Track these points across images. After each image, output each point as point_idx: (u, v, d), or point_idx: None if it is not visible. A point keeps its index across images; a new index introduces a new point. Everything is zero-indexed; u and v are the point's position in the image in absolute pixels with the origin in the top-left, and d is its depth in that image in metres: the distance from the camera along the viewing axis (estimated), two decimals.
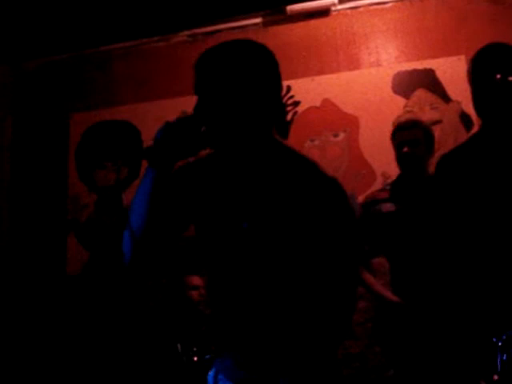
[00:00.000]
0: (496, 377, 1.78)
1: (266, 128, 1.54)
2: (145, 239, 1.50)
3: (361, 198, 3.69)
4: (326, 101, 4.07)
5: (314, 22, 4.20)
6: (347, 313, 1.53)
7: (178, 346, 3.32)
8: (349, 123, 4.00)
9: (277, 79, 1.57)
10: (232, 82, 1.47)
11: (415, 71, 3.98)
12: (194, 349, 3.31)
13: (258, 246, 1.49)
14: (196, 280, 3.55)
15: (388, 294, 2.79)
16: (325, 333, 1.48)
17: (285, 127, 4.03)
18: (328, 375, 1.50)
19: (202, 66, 1.51)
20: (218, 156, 1.59)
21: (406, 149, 2.88)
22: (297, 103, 4.12)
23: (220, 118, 1.47)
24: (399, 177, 3.02)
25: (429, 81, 3.95)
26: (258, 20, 4.30)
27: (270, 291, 1.49)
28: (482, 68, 2.06)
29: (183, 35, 4.45)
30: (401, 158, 2.94)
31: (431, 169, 2.76)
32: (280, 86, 1.61)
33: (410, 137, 2.91)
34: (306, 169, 1.53)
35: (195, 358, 3.27)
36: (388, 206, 2.92)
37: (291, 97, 4.13)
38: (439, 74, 3.94)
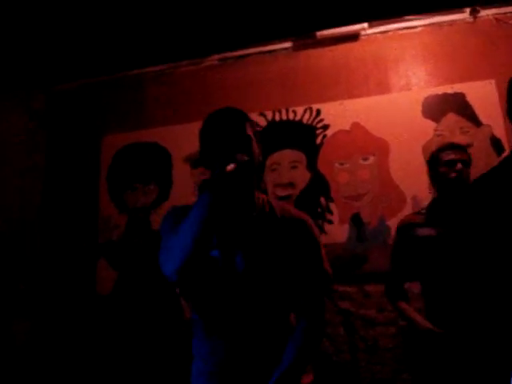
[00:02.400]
0: None
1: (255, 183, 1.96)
2: (191, 254, 1.75)
3: (392, 222, 3.70)
4: (355, 124, 4.08)
5: (343, 47, 4.24)
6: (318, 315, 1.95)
7: None
8: (378, 147, 4.00)
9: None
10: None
11: (445, 95, 3.98)
12: None
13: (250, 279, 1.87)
14: None
15: (421, 320, 2.76)
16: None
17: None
18: None
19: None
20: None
21: (460, 165, 2.82)
22: (326, 127, 4.14)
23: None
24: (435, 200, 2.98)
25: (459, 105, 3.94)
26: (287, 44, 4.35)
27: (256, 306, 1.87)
28: None
29: (214, 59, 4.51)
30: (447, 178, 2.85)
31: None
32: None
33: (461, 156, 2.87)
34: (279, 216, 1.95)
35: None
36: (424, 231, 2.88)
37: (321, 120, 4.16)
38: (469, 98, 3.93)
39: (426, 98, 4.00)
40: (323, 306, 1.97)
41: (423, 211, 3.03)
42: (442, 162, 2.89)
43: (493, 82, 3.90)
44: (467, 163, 2.86)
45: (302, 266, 1.91)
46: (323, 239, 2.38)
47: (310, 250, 1.94)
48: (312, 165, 4.11)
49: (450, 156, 2.87)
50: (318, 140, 4.14)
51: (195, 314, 1.97)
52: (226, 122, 1.91)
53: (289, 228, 1.92)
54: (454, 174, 2.82)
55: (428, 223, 2.90)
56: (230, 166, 1.75)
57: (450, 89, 3.98)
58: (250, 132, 1.91)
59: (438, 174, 2.91)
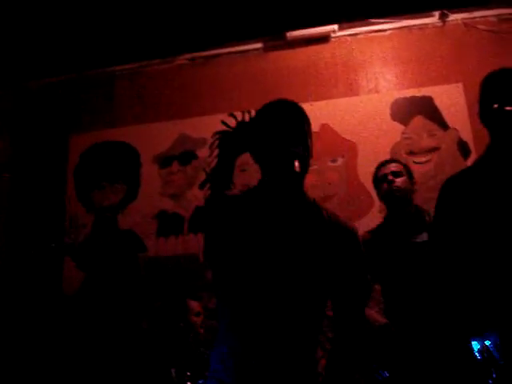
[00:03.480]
0: None
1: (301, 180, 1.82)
2: None
3: (360, 224, 3.69)
4: (324, 126, 4.09)
5: (313, 48, 4.25)
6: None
7: (172, 370, 3.29)
8: (347, 149, 4.02)
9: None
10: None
11: (413, 98, 4.02)
12: (188, 373, 3.28)
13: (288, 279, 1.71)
14: (198, 306, 3.52)
15: (375, 316, 2.78)
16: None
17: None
18: None
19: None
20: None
21: (390, 177, 2.92)
22: None
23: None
24: (387, 217, 3.03)
25: (427, 108, 3.98)
26: (258, 45, 4.35)
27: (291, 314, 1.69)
28: (487, 93, 2.06)
29: (184, 58, 4.49)
30: (386, 190, 2.94)
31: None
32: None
33: (391, 168, 2.96)
34: (329, 221, 1.82)
35: (189, 383, 3.24)
36: (380, 246, 2.90)
37: None
38: (437, 102, 3.97)
39: (395, 101, 4.04)
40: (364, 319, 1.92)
41: (375, 229, 3.05)
42: (378, 179, 3.01)
43: (460, 85, 3.94)
44: (397, 173, 2.94)
45: (347, 277, 1.80)
46: None
47: (357, 262, 1.83)
48: None
49: (381, 171, 3.00)
50: None
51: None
52: (284, 115, 1.80)
53: (337, 233, 1.81)
54: (385, 185, 2.93)
55: (382, 240, 2.93)
56: (297, 163, 1.69)
57: (417, 92, 4.02)
58: (306, 128, 1.87)
59: (380, 191, 3.01)
